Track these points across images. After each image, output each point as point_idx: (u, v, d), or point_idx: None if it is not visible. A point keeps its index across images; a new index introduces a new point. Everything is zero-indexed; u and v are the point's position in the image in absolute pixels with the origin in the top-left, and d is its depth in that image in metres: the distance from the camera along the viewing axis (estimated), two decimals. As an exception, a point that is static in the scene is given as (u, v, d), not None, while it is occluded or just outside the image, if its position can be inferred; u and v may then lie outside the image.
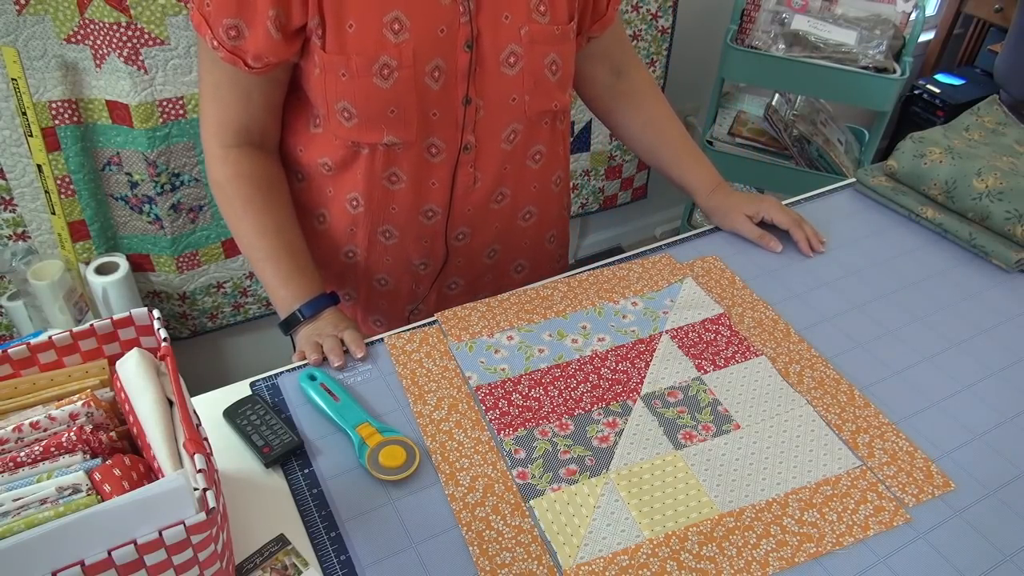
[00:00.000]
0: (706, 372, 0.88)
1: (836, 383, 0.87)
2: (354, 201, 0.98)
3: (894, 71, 1.88)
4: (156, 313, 0.69)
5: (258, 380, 0.87)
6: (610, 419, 0.82)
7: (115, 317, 0.69)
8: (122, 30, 1.39)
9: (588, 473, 0.77)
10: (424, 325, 0.94)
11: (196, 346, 1.87)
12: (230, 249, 1.75)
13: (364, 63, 0.84)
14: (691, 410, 0.83)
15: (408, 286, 1.09)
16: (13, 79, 1.36)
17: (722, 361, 0.89)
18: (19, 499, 0.58)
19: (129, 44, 1.40)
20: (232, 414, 0.82)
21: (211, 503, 0.56)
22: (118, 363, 0.67)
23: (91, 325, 0.69)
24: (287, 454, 0.78)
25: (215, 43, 0.84)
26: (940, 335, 0.94)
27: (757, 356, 0.90)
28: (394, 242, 1.03)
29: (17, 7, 1.33)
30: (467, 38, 0.87)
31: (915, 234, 1.11)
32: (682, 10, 2.05)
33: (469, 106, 0.91)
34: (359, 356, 0.89)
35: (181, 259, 1.69)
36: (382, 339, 0.92)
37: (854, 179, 1.21)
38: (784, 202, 1.17)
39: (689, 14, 2.08)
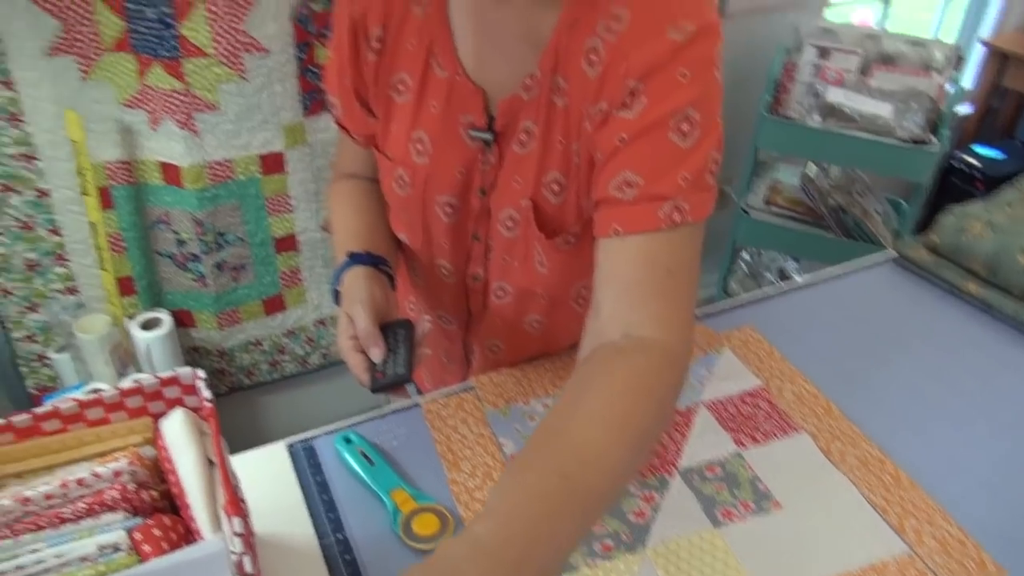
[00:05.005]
0: (745, 447, 0.86)
1: (880, 463, 0.84)
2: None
3: (931, 143, 1.88)
4: (201, 373, 0.70)
5: (295, 442, 0.88)
6: (647, 492, 0.81)
7: (162, 376, 0.71)
8: (178, 96, 1.45)
9: (624, 549, 0.75)
10: (461, 391, 0.94)
11: (232, 403, 1.89)
12: (270, 306, 1.79)
13: (388, 166, 0.86)
14: (730, 486, 0.82)
15: (439, 371, 1.08)
16: (74, 141, 1.42)
17: (761, 436, 0.87)
18: (60, 556, 0.58)
19: (183, 109, 1.47)
20: (384, 328, 0.79)
21: (248, 568, 0.56)
22: (162, 422, 0.68)
23: (138, 383, 0.70)
24: (392, 386, 0.76)
25: (332, 112, 0.90)
26: (988, 415, 0.92)
27: (798, 432, 0.88)
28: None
29: (82, 73, 1.40)
30: (481, 185, 0.83)
31: (958, 308, 1.09)
32: (717, 81, 2.08)
33: (479, 244, 0.88)
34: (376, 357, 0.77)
35: (222, 315, 1.73)
36: (419, 405, 0.92)
37: (894, 251, 1.20)
38: (822, 271, 1.16)
39: (722, 81, 2.12)
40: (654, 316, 0.68)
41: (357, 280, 0.82)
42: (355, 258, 0.85)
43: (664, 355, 0.67)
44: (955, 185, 2.72)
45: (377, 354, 0.77)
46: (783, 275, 2.34)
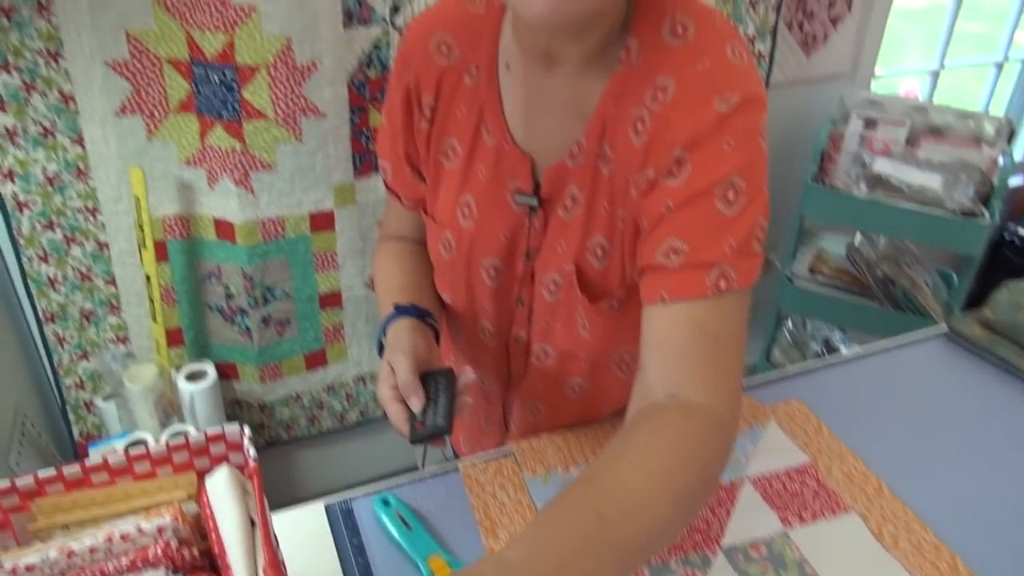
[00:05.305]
0: (791, 526, 0.83)
1: (936, 549, 0.81)
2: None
3: (982, 215, 1.85)
4: (247, 431, 0.71)
5: (333, 503, 0.87)
6: (689, 570, 0.78)
7: (208, 432, 0.71)
8: (236, 155, 1.51)
9: (665, 629, 0.73)
10: (500, 456, 0.94)
11: (269, 456, 1.90)
12: (311, 361, 1.81)
13: (436, 229, 0.88)
14: (776, 567, 0.79)
15: (477, 434, 1.08)
16: (136, 196, 1.48)
17: (809, 515, 0.85)
18: (100, 612, 0.58)
19: (240, 168, 1.52)
20: (425, 377, 0.79)
21: (284, 634, 0.55)
22: (208, 479, 0.68)
23: (185, 439, 0.71)
24: (431, 437, 0.75)
25: (382, 175, 0.93)
26: (1050, 502, 0.88)
27: (847, 512, 0.85)
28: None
29: (148, 133, 1.47)
30: (527, 249, 0.84)
31: (1014, 387, 1.06)
32: (762, 150, 2.09)
33: (522, 307, 0.89)
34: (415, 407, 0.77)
35: (265, 369, 1.75)
36: (457, 469, 0.91)
37: (946, 326, 1.17)
38: (871, 344, 1.14)
39: (767, 151, 2.12)
40: (700, 381, 0.68)
41: (402, 331, 0.83)
42: (401, 310, 0.86)
43: (710, 420, 0.67)
44: (1007, 258, 2.66)
45: (416, 404, 0.76)
46: (829, 345, 2.30)
